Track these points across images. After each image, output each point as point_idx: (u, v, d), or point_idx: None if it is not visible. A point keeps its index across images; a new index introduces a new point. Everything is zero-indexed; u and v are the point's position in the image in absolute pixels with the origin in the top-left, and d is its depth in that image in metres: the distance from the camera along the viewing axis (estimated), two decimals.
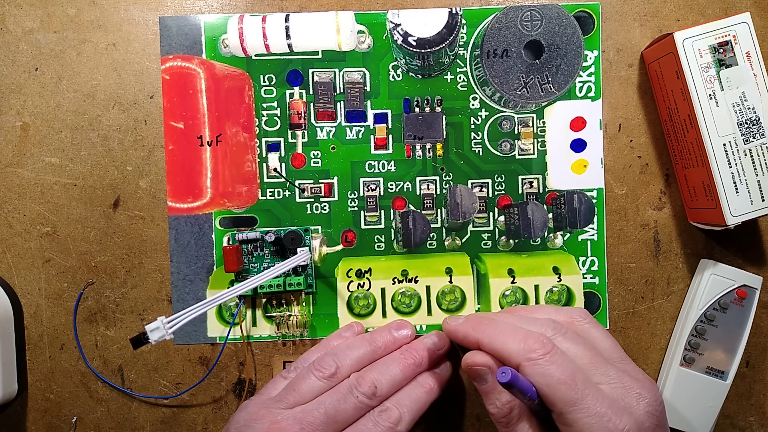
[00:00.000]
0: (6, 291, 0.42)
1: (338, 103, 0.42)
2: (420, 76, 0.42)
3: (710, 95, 0.38)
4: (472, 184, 0.43)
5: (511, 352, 0.33)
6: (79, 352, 0.42)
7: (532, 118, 0.42)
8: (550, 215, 0.42)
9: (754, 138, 0.38)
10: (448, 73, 0.42)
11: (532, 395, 0.32)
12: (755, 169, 0.38)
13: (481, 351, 0.35)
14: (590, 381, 0.32)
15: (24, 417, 0.43)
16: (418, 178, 0.43)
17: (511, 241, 0.43)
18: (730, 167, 0.38)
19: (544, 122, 0.42)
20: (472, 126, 0.42)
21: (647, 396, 0.33)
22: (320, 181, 0.43)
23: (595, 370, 0.33)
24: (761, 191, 0.38)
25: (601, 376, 0.33)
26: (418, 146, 0.43)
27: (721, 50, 0.38)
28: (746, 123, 0.38)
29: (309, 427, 0.34)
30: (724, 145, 0.38)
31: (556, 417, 0.32)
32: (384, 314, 0.42)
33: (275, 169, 0.43)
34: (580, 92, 0.42)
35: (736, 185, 0.38)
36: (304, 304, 0.42)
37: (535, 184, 0.42)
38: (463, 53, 0.42)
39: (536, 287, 0.41)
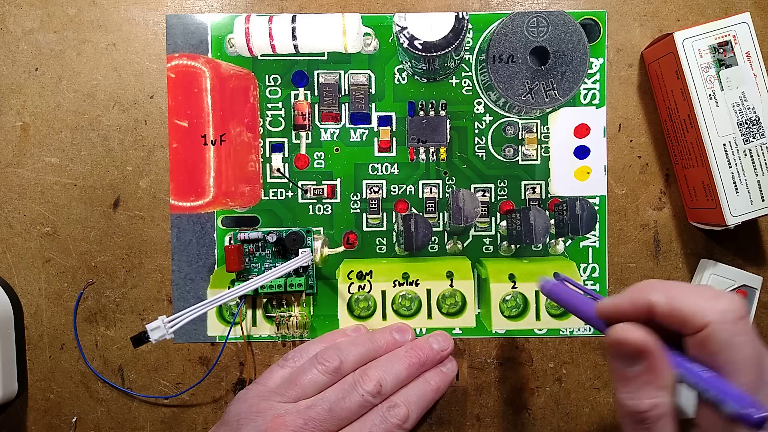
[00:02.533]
0: (6, 291, 0.41)
1: (343, 105, 0.42)
2: (425, 80, 0.42)
3: (710, 95, 0.38)
4: (474, 188, 0.43)
5: (699, 308, 0.27)
6: (79, 352, 0.42)
7: (537, 124, 0.43)
8: (552, 221, 0.42)
9: (754, 138, 0.38)
10: (453, 77, 0.42)
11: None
12: (755, 169, 0.38)
13: (639, 328, 0.28)
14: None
15: (24, 417, 0.42)
16: (420, 182, 0.43)
17: (512, 246, 0.43)
18: (730, 167, 0.38)
19: (548, 128, 0.42)
20: (476, 131, 0.42)
21: None
22: (323, 182, 0.43)
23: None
24: (761, 191, 0.39)
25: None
26: (421, 149, 0.43)
27: (721, 50, 0.38)
28: (746, 123, 0.38)
29: (312, 422, 0.35)
30: (724, 145, 0.38)
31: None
32: (384, 317, 0.43)
33: (278, 170, 0.42)
34: (584, 99, 0.42)
35: (736, 185, 0.38)
36: (304, 305, 0.43)
37: (537, 190, 0.43)
38: (469, 58, 0.42)
39: (537, 293, 0.42)
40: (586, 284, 0.43)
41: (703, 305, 0.27)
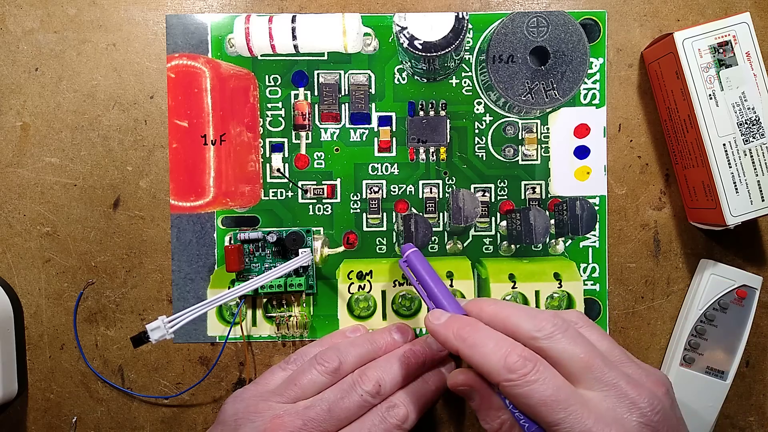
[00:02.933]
0: (6, 291, 0.41)
1: (343, 105, 0.42)
2: (425, 80, 0.42)
3: (710, 95, 0.38)
4: (474, 188, 0.43)
5: (491, 370, 0.31)
6: (79, 352, 0.42)
7: (537, 124, 0.43)
8: (552, 221, 0.42)
9: (754, 138, 0.38)
10: (453, 77, 0.42)
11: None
12: (755, 169, 0.38)
13: (466, 370, 0.34)
14: (576, 395, 0.30)
15: (24, 417, 0.42)
16: (420, 182, 0.43)
17: (512, 246, 0.43)
18: (730, 167, 0.38)
19: (548, 128, 0.43)
20: (476, 131, 0.42)
21: (643, 404, 0.30)
22: (323, 182, 0.43)
23: (590, 374, 0.31)
24: (761, 191, 0.39)
25: (595, 382, 0.31)
26: (421, 149, 0.43)
27: (721, 50, 0.38)
28: (746, 123, 0.38)
29: (311, 423, 0.34)
30: (724, 145, 0.38)
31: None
32: (384, 317, 0.43)
33: (278, 170, 0.42)
34: (584, 99, 0.42)
35: (736, 185, 0.38)
36: (304, 305, 0.43)
37: (537, 190, 0.43)
38: (469, 58, 0.42)
39: (537, 293, 0.42)
40: (586, 284, 0.43)
41: (495, 364, 0.31)
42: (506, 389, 0.30)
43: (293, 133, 0.42)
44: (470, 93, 0.42)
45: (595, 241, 0.43)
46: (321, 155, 0.43)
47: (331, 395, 0.36)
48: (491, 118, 0.42)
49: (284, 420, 0.34)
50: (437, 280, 0.36)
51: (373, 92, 0.42)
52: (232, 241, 0.42)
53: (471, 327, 0.33)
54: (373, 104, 0.42)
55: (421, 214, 0.42)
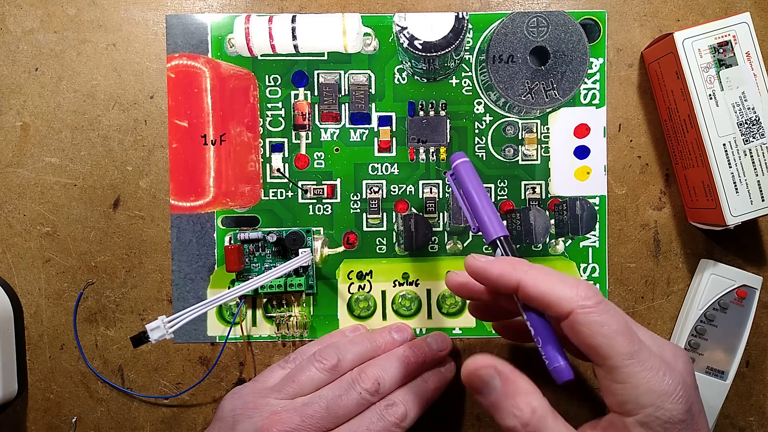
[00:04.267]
0: (6, 291, 0.41)
1: (343, 105, 0.42)
2: (425, 80, 0.42)
3: (710, 95, 0.38)
4: None
5: (562, 297, 0.29)
6: (79, 352, 0.42)
7: (537, 124, 0.43)
8: (552, 221, 0.42)
9: (754, 138, 0.38)
10: (453, 77, 0.42)
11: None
12: (755, 169, 0.38)
13: (483, 354, 0.30)
14: (638, 336, 0.29)
15: (24, 417, 0.42)
16: (421, 182, 0.43)
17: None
18: (730, 167, 0.38)
19: (548, 128, 0.42)
20: (476, 131, 0.42)
21: (681, 354, 0.31)
22: (323, 182, 0.43)
23: (636, 327, 0.31)
24: (761, 191, 0.38)
25: (642, 333, 0.30)
26: (421, 149, 0.43)
27: (721, 50, 0.38)
28: (746, 123, 0.38)
29: (309, 420, 0.34)
30: (724, 145, 0.38)
31: (606, 373, 0.29)
32: (384, 317, 0.43)
33: (278, 170, 0.42)
34: (584, 99, 0.42)
35: (736, 185, 0.38)
36: (304, 305, 0.43)
37: (537, 190, 0.43)
38: (469, 58, 0.42)
39: None
40: None
41: (567, 293, 0.29)
42: (581, 316, 0.28)
43: (293, 133, 0.42)
44: (470, 93, 0.42)
45: (595, 241, 0.43)
46: (321, 155, 0.43)
47: (330, 393, 0.36)
48: (491, 118, 0.42)
49: (282, 416, 0.34)
50: (486, 199, 0.33)
51: (373, 92, 0.42)
52: (232, 241, 0.42)
53: (526, 262, 0.31)
54: (373, 104, 0.42)
55: (421, 214, 0.42)
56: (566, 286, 0.29)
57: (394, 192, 0.43)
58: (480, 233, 0.33)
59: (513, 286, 0.30)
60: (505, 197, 0.43)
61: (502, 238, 0.33)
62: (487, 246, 0.43)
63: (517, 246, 0.43)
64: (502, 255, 0.32)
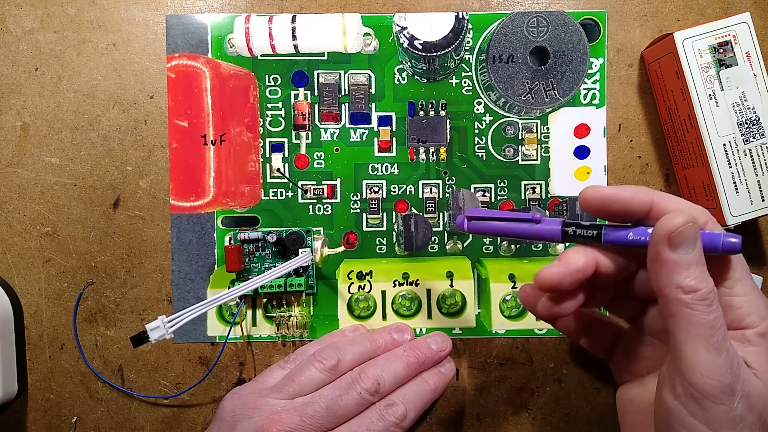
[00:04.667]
0: (6, 291, 0.41)
1: (343, 105, 0.42)
2: (425, 80, 0.42)
3: (710, 95, 0.38)
4: (474, 188, 0.43)
5: (698, 213, 0.30)
6: (79, 352, 0.42)
7: (537, 124, 0.43)
8: None
9: (754, 138, 0.38)
10: (453, 77, 0.42)
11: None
12: (755, 169, 0.38)
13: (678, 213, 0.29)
14: None
15: (24, 417, 0.42)
16: (421, 182, 0.43)
17: (512, 246, 0.43)
18: (730, 167, 0.38)
19: (548, 128, 0.42)
20: (476, 130, 0.42)
21: None
22: (323, 182, 0.43)
23: None
24: (761, 191, 0.38)
25: None
26: (421, 149, 0.43)
27: (721, 50, 0.38)
28: (746, 123, 0.38)
29: (309, 420, 0.34)
30: (724, 145, 0.38)
31: (729, 288, 0.30)
32: (384, 317, 0.43)
33: (278, 170, 0.42)
34: (584, 99, 0.42)
35: (736, 185, 0.38)
36: (304, 305, 0.43)
37: (537, 190, 0.43)
38: (469, 58, 0.42)
39: None
40: None
41: (697, 208, 0.30)
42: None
43: (293, 133, 0.42)
44: (470, 93, 0.42)
45: None
46: (321, 155, 0.43)
47: (330, 392, 0.36)
48: (491, 118, 0.42)
49: (282, 416, 0.34)
50: (513, 227, 0.32)
51: (373, 92, 0.42)
52: (232, 241, 0.42)
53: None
54: (373, 104, 0.42)
55: (421, 214, 0.42)
56: (691, 205, 0.30)
57: (394, 192, 0.43)
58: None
59: (647, 205, 0.30)
60: (505, 197, 0.43)
61: (563, 225, 0.32)
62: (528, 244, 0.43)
63: (518, 246, 0.43)
64: (580, 235, 0.31)
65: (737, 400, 0.28)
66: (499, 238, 0.43)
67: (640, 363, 0.35)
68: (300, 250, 0.40)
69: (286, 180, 0.43)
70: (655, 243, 0.29)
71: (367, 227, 0.43)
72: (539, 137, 0.43)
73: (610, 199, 0.30)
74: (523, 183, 0.43)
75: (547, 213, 0.42)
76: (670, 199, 0.30)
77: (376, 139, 0.43)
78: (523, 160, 0.43)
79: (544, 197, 0.43)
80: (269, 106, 0.42)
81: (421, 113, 0.42)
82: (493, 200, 0.43)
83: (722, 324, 0.28)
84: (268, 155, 0.43)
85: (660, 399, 0.30)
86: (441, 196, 0.43)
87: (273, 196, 0.43)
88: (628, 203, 0.30)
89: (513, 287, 0.41)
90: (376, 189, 0.43)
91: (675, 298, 0.28)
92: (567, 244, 0.31)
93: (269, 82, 0.42)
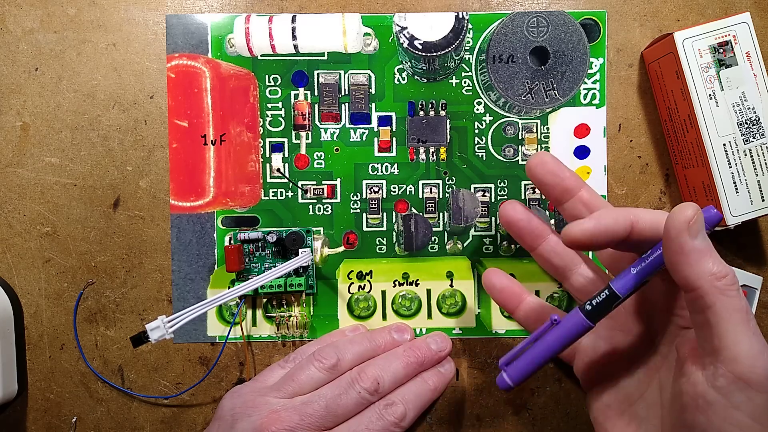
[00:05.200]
0: (6, 291, 0.41)
1: (343, 105, 0.42)
2: (425, 80, 0.42)
3: (710, 95, 0.38)
4: (474, 188, 0.43)
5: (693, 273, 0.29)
6: (79, 352, 0.42)
7: (537, 124, 0.42)
8: (552, 221, 0.42)
9: (754, 138, 0.38)
10: (453, 77, 0.42)
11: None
12: (755, 169, 0.38)
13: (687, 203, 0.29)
14: None
15: (24, 417, 0.42)
16: (421, 182, 0.43)
17: (512, 246, 0.43)
18: (730, 167, 0.38)
19: (548, 128, 0.42)
20: (476, 131, 0.42)
21: None
22: (323, 182, 0.43)
23: None
24: (761, 191, 0.38)
25: None
26: (421, 149, 0.43)
27: (721, 50, 0.38)
28: (746, 123, 0.38)
29: (309, 419, 0.35)
30: (724, 145, 0.38)
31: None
32: (384, 317, 0.43)
33: (278, 170, 0.42)
34: (584, 99, 0.42)
35: (736, 185, 0.38)
36: (304, 305, 0.43)
37: (537, 190, 0.43)
38: (469, 58, 0.42)
39: (537, 293, 0.42)
40: None
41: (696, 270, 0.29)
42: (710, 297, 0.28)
43: (293, 133, 0.42)
44: (470, 93, 0.42)
45: None
46: (321, 155, 0.43)
47: (329, 392, 0.36)
48: (491, 118, 0.42)
49: (281, 415, 0.34)
50: (543, 351, 0.33)
51: (373, 92, 0.42)
52: (232, 241, 0.42)
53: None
54: (373, 104, 0.42)
55: (421, 214, 0.42)
56: (661, 212, 0.31)
57: (394, 192, 0.43)
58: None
59: (628, 226, 0.30)
60: (505, 197, 0.43)
61: (581, 309, 0.32)
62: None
63: (517, 246, 0.43)
64: (599, 304, 0.32)
65: None
66: (499, 239, 0.43)
67: (609, 365, 0.36)
68: (300, 250, 0.40)
69: (286, 180, 0.43)
70: (675, 236, 0.28)
71: (367, 227, 0.43)
72: (539, 137, 0.43)
73: (598, 232, 0.31)
74: (523, 183, 0.43)
75: (547, 213, 0.42)
76: (645, 211, 0.31)
77: (376, 139, 0.43)
78: (523, 160, 0.43)
79: (543, 198, 0.43)
80: (269, 106, 0.42)
81: (421, 113, 0.42)
82: (493, 200, 0.43)
83: (750, 310, 0.28)
84: (268, 155, 0.43)
85: (693, 393, 0.29)
86: (441, 196, 0.43)
87: (273, 196, 0.43)
88: (613, 231, 0.30)
89: None
90: (376, 189, 0.43)
91: (712, 287, 0.28)
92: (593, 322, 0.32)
93: (269, 82, 0.42)
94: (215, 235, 0.42)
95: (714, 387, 0.28)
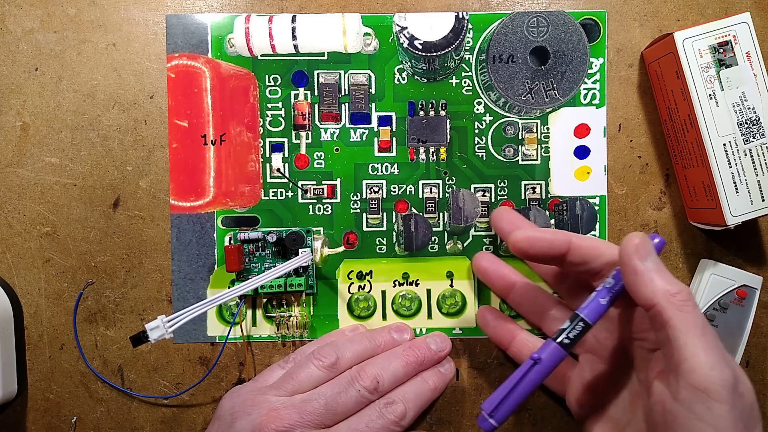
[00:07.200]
0: (6, 291, 0.41)
1: (343, 105, 0.42)
2: (425, 80, 0.42)
3: (710, 95, 0.38)
4: (474, 188, 0.43)
5: (604, 246, 0.34)
6: (79, 352, 0.42)
7: (537, 124, 0.42)
8: (552, 222, 0.42)
9: (754, 138, 0.38)
10: (453, 77, 0.42)
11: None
12: (755, 169, 0.38)
13: (635, 232, 0.32)
14: None
15: (24, 417, 0.42)
16: (420, 182, 0.43)
17: None
18: (730, 167, 0.38)
19: (548, 128, 0.42)
20: (476, 131, 0.42)
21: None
22: (323, 182, 0.43)
23: None
24: (761, 191, 0.38)
25: None
26: (421, 149, 0.43)
27: (721, 50, 0.38)
28: (746, 123, 0.38)
29: (308, 417, 0.35)
30: (724, 145, 0.38)
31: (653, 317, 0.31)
32: (384, 317, 0.43)
33: (278, 170, 0.42)
34: (584, 99, 0.42)
35: (736, 185, 0.38)
36: (304, 305, 0.43)
37: (537, 190, 0.43)
38: (469, 58, 0.42)
39: None
40: None
41: (606, 245, 0.34)
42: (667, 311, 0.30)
43: (293, 133, 0.42)
44: (470, 93, 0.42)
45: None
46: (321, 155, 0.43)
47: (329, 390, 0.36)
48: (491, 118, 0.42)
49: (280, 413, 0.34)
50: (524, 388, 0.34)
51: (373, 92, 0.42)
52: (232, 241, 0.42)
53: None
54: (373, 104, 0.42)
55: (421, 214, 0.42)
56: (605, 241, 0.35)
57: (394, 192, 0.43)
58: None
59: (565, 246, 0.34)
60: (505, 197, 0.43)
61: (555, 340, 0.34)
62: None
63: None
64: (571, 335, 0.34)
65: (738, 398, 0.28)
66: (499, 239, 0.43)
67: (597, 395, 0.37)
68: (300, 250, 0.40)
69: (286, 180, 0.43)
70: (628, 260, 0.31)
71: (367, 227, 0.43)
72: (539, 137, 0.43)
73: (536, 239, 0.34)
74: (523, 183, 0.43)
75: (547, 213, 0.42)
76: (585, 237, 0.34)
77: (376, 139, 0.43)
78: (523, 160, 0.43)
79: (544, 197, 0.43)
80: (269, 106, 0.42)
81: (421, 113, 0.42)
82: (493, 200, 0.43)
83: (708, 324, 0.30)
84: (268, 155, 0.43)
85: (661, 410, 0.30)
86: (441, 196, 0.43)
87: (273, 196, 0.43)
88: (551, 241, 0.34)
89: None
90: (376, 189, 0.43)
91: (668, 303, 0.30)
92: (569, 351, 0.34)
93: (269, 82, 0.42)
94: (215, 235, 0.42)
95: (678, 401, 0.29)
